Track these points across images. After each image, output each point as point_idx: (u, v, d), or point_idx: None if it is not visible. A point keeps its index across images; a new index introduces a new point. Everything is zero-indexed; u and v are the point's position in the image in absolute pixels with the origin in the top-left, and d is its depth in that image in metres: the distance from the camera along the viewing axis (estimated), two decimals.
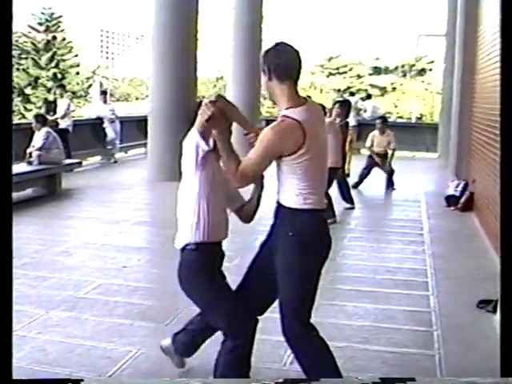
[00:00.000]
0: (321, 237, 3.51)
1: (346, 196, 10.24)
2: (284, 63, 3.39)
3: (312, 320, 3.56)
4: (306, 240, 3.40)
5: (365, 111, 21.82)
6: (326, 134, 3.63)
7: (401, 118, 47.46)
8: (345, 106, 10.33)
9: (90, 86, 51.83)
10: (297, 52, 3.43)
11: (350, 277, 6.49)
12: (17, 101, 45.78)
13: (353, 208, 10.20)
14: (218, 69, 65.03)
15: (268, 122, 9.90)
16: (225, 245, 3.76)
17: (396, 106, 53.51)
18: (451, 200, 10.41)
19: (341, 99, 11.33)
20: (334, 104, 10.65)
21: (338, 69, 62.50)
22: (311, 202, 3.41)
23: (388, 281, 6.39)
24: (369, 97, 24.23)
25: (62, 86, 17.94)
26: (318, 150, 3.42)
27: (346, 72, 61.77)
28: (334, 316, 5.25)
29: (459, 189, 10.51)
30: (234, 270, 6.27)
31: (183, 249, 3.65)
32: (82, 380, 3.23)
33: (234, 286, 3.72)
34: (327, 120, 9.80)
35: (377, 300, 5.76)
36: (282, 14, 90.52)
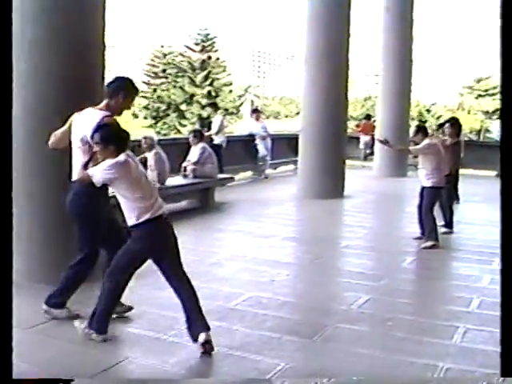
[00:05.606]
0: None
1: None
2: None
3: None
4: None
5: None
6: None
7: None
8: (455, 126, 10.17)
9: (241, 103, 53.22)
10: None
11: (498, 303, 6.28)
12: (173, 116, 47.78)
13: (451, 232, 9.62)
14: (366, 89, 64.76)
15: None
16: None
17: None
18: None
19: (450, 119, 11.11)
20: (444, 124, 10.66)
21: (487, 90, 60.37)
22: None
23: None
24: None
25: (214, 105, 18.45)
26: None
27: (495, 94, 59.52)
28: (483, 342, 5.11)
29: None
30: (381, 290, 6.32)
31: None
32: (72, 380, 3.35)
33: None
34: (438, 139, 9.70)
35: None
36: (431, 36, 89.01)
